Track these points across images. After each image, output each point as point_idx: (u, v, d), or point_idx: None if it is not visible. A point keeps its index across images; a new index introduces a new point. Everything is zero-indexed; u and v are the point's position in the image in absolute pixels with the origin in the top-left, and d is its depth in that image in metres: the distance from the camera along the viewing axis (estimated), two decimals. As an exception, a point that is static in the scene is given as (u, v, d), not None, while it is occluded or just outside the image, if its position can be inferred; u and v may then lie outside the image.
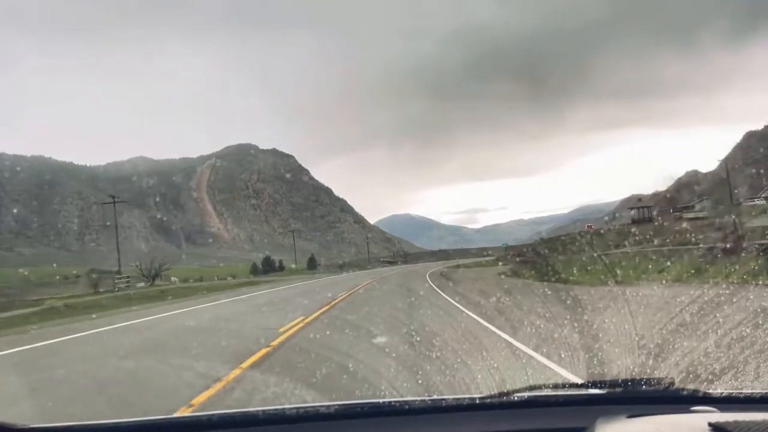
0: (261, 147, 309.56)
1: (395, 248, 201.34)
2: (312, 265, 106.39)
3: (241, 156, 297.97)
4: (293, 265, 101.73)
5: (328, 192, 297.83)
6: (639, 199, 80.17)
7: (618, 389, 2.29)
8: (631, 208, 72.26)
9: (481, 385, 5.43)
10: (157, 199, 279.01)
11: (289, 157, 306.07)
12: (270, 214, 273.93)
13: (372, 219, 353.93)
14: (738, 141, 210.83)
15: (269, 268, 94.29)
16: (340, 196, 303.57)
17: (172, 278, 74.69)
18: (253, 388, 6.15)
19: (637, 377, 2.44)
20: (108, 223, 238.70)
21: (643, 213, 66.74)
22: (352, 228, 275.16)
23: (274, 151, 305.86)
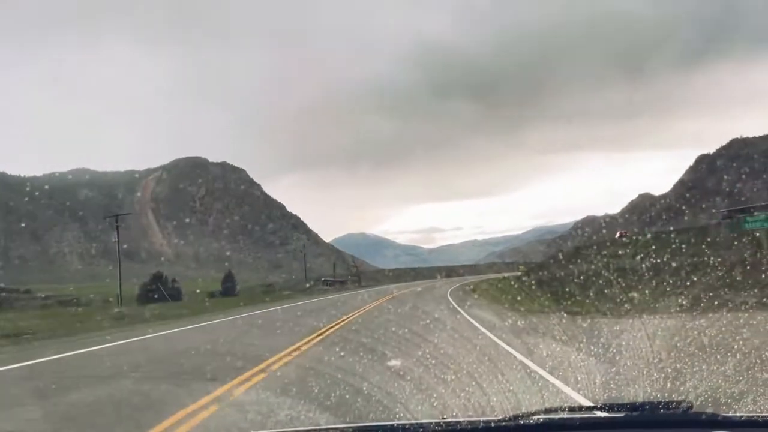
0: (211, 160, 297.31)
1: (347, 263, 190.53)
2: (230, 289, 75.86)
3: (189, 169, 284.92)
4: (197, 290, 69.97)
5: (280, 208, 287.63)
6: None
7: (635, 413, 2.23)
8: None
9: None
10: (96, 213, 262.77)
11: (240, 170, 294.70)
12: (218, 229, 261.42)
13: (327, 238, 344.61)
14: (691, 164, 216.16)
15: (156, 293, 58.38)
16: (294, 213, 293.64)
17: None
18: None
19: (655, 400, 2.38)
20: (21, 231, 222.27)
21: None
22: (306, 246, 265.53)
23: (224, 165, 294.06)
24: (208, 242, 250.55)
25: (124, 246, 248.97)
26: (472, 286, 45.07)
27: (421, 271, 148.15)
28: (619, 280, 21.10)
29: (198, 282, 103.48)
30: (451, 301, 28.52)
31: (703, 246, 24.04)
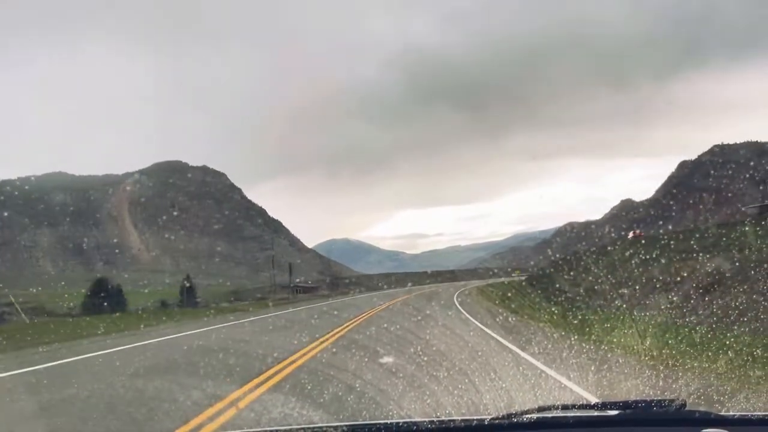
0: (191, 164, 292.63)
1: (326, 268, 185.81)
2: (188, 295, 56.63)
3: (169, 172, 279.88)
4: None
5: (261, 213, 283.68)
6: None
7: (629, 411, 2.26)
8: None
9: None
10: (72, 217, 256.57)
11: (221, 174, 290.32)
12: (197, 234, 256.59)
13: (310, 243, 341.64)
14: (672, 170, 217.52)
15: (102, 301, 42.78)
16: (275, 218, 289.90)
17: None
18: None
19: (648, 398, 2.39)
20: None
21: None
22: (287, 251, 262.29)
23: (204, 168, 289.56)
24: (187, 247, 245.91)
25: (106, 241, 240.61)
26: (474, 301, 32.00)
27: (404, 275, 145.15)
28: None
29: (166, 288, 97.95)
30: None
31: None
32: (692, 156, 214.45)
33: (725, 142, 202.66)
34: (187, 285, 54.62)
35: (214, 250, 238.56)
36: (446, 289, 51.02)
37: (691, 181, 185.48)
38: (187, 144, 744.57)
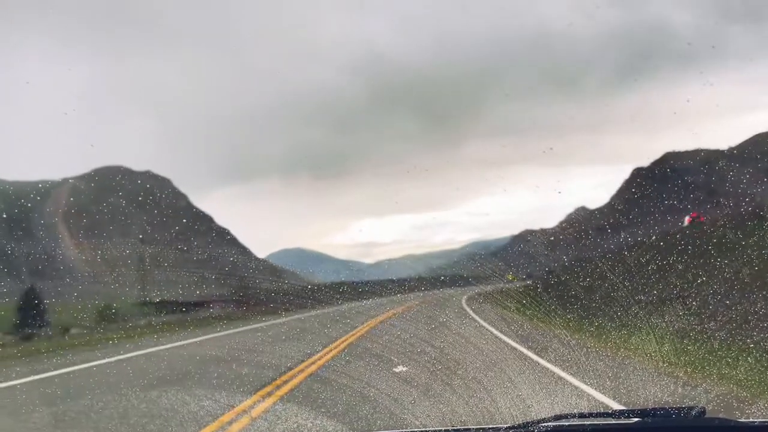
0: (134, 169, 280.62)
1: (275, 279, 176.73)
2: (29, 316, 26.61)
3: (110, 178, 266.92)
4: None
5: (209, 221, 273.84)
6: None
7: (647, 419, 2.23)
8: None
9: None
10: (2, 226, 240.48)
11: (165, 180, 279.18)
12: (139, 243, 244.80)
13: (262, 253, 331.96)
14: (626, 177, 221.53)
15: None
16: (223, 226, 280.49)
17: None
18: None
19: (667, 406, 2.36)
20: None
21: None
22: (236, 261, 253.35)
23: (147, 174, 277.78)
24: (127, 257, 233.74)
25: (40, 251, 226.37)
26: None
27: (362, 286, 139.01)
28: None
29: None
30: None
31: None
32: (645, 163, 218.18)
33: (676, 150, 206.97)
34: (35, 302, 28.08)
35: (157, 261, 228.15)
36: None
37: (645, 188, 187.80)
38: (130, 148, 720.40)
